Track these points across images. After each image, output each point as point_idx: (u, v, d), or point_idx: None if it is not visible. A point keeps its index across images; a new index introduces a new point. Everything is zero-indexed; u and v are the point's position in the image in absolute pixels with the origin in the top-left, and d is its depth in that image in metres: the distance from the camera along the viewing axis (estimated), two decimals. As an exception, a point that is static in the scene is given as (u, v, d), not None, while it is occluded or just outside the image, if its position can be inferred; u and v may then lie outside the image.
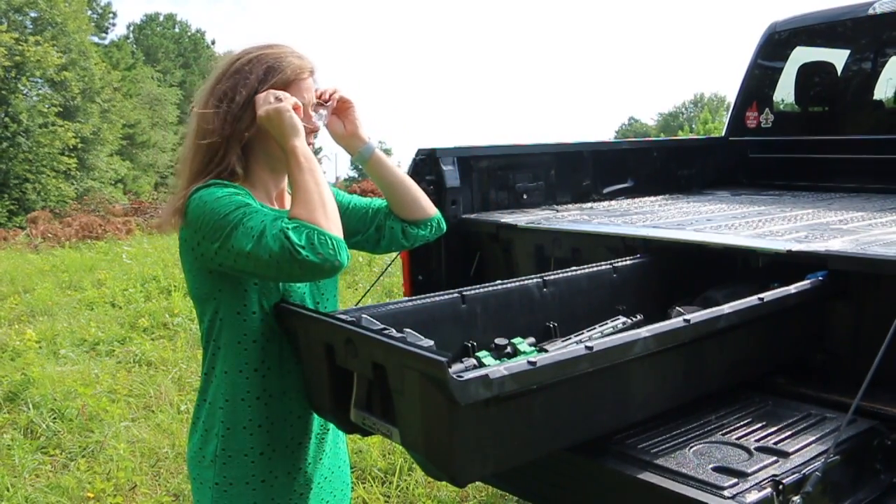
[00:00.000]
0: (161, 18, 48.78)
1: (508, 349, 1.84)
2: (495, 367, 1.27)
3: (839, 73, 4.17)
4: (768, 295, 1.79)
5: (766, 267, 2.18)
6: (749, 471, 1.47)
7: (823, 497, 1.54)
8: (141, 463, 4.03)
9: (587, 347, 1.40)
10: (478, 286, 1.98)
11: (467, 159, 3.01)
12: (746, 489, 1.42)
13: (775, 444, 1.60)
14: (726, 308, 1.69)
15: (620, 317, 2.09)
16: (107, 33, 42.00)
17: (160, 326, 6.92)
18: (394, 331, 1.58)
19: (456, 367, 1.46)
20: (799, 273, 1.94)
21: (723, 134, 4.48)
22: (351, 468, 2.22)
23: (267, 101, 1.58)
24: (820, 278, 1.92)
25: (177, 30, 49.11)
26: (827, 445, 1.57)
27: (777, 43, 4.27)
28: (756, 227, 2.48)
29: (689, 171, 4.05)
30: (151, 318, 7.02)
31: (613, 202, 3.51)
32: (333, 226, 1.51)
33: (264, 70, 1.63)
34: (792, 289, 1.85)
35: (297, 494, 1.73)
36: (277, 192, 1.74)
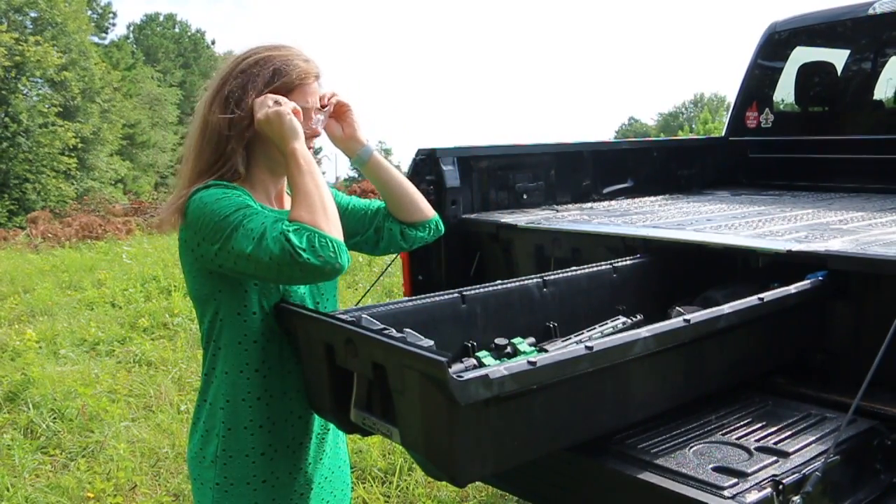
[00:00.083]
0: (161, 18, 48.80)
1: (508, 349, 1.84)
2: (495, 367, 1.27)
3: (839, 73, 4.17)
4: (768, 295, 1.79)
5: (766, 267, 2.18)
6: (749, 471, 1.47)
7: (823, 497, 1.54)
8: (141, 463, 4.03)
9: (587, 347, 1.40)
10: (478, 286, 1.98)
11: (467, 159, 3.02)
12: (746, 489, 1.42)
13: (775, 444, 1.60)
14: (726, 308, 1.69)
15: (620, 317, 2.09)
16: (107, 33, 42.05)
17: (160, 326, 6.92)
18: (394, 331, 1.58)
19: (456, 367, 1.46)
20: (799, 273, 1.94)
21: (723, 134, 4.48)
22: (351, 468, 2.22)
23: (265, 104, 1.59)
24: (820, 278, 1.92)
25: (177, 30, 49.11)
26: (827, 445, 1.57)
27: (777, 43, 4.27)
28: (756, 227, 2.48)
29: (689, 171, 4.05)
30: (151, 318, 7.03)
31: (613, 202, 3.51)
32: (334, 228, 1.51)
33: (271, 72, 1.63)
34: (792, 289, 1.85)
35: (298, 495, 1.73)
36: (277, 193, 1.74)
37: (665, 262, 2.36)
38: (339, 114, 1.82)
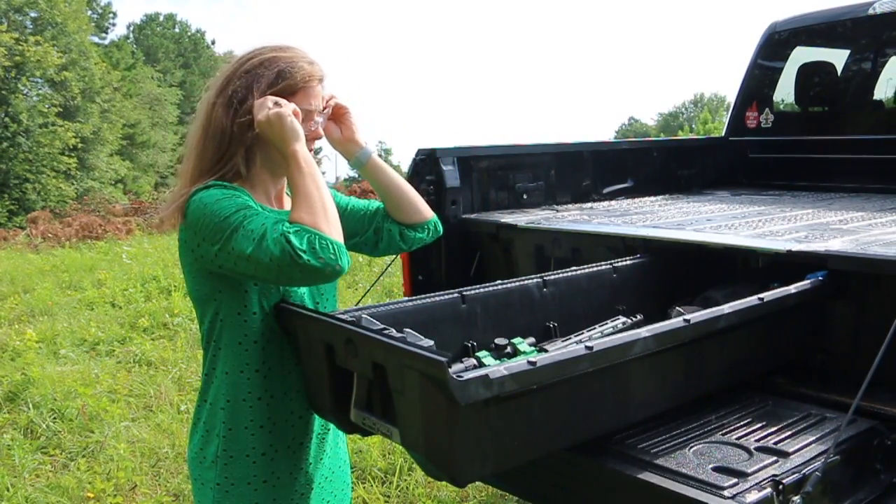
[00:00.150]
0: (161, 18, 48.80)
1: (508, 349, 1.83)
2: (495, 367, 1.27)
3: (839, 73, 4.17)
4: (768, 295, 1.79)
5: (766, 267, 2.18)
6: (749, 471, 1.47)
7: (823, 497, 1.54)
8: (141, 463, 4.03)
9: (587, 347, 1.40)
10: (478, 286, 1.98)
11: (467, 159, 3.01)
12: (746, 489, 1.42)
13: (775, 444, 1.60)
14: (726, 308, 1.69)
15: (620, 317, 2.09)
16: (107, 33, 42.07)
17: (160, 326, 6.92)
18: (394, 331, 1.58)
19: (456, 367, 1.46)
20: (799, 273, 1.94)
21: (723, 134, 4.48)
22: (351, 468, 2.22)
23: (265, 105, 1.58)
24: (820, 278, 1.92)
25: (177, 30, 49.11)
26: (827, 445, 1.57)
27: (777, 43, 4.27)
28: (756, 227, 2.48)
29: (689, 171, 4.05)
30: (151, 318, 7.02)
31: (613, 202, 3.51)
32: (335, 230, 1.51)
33: (275, 73, 1.63)
34: (792, 289, 1.85)
35: (299, 495, 1.73)
36: (277, 193, 1.74)
37: (665, 262, 2.36)
38: (337, 116, 1.82)
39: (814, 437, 1.63)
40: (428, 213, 1.93)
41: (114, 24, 50.59)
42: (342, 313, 1.69)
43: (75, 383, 5.13)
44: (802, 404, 1.83)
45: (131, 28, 48.06)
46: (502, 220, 2.83)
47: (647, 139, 4.83)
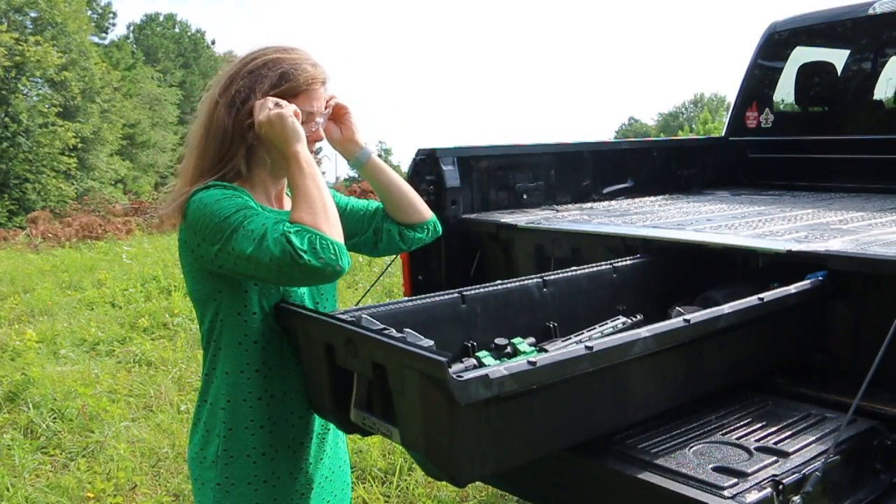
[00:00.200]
0: (161, 18, 48.80)
1: (508, 349, 1.84)
2: (495, 367, 1.27)
3: (839, 73, 4.17)
4: (768, 295, 1.79)
5: (766, 267, 2.18)
6: (749, 471, 1.47)
7: (823, 497, 1.54)
8: (141, 463, 4.03)
9: (587, 347, 1.40)
10: (478, 286, 1.98)
11: (467, 159, 3.01)
12: (746, 489, 1.42)
13: (775, 444, 1.60)
14: (726, 308, 1.69)
15: (620, 317, 2.09)
16: (107, 33, 42.06)
17: (160, 326, 6.92)
18: (394, 331, 1.58)
19: (456, 367, 1.46)
20: (799, 273, 1.94)
21: (723, 134, 4.48)
22: (351, 468, 2.22)
23: (266, 106, 1.58)
24: (820, 278, 1.92)
25: (177, 30, 49.11)
26: (827, 445, 1.57)
27: (777, 43, 4.27)
28: (756, 227, 2.48)
29: (689, 171, 4.05)
30: (151, 318, 7.02)
31: (613, 202, 3.51)
32: (335, 231, 1.51)
33: (279, 75, 1.63)
34: (792, 289, 1.85)
35: (299, 494, 1.73)
36: (276, 193, 1.74)
37: (665, 262, 2.36)
38: (337, 116, 1.82)
39: (814, 437, 1.63)
40: (427, 213, 1.94)
41: (114, 24, 50.65)
42: (342, 313, 1.69)
43: (75, 383, 5.13)
44: (802, 404, 1.83)
45: (131, 28, 48.13)
46: (502, 220, 2.83)
47: (647, 139, 4.83)
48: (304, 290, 1.70)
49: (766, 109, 4.26)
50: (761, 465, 1.50)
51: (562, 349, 1.50)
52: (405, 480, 3.71)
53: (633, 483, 1.51)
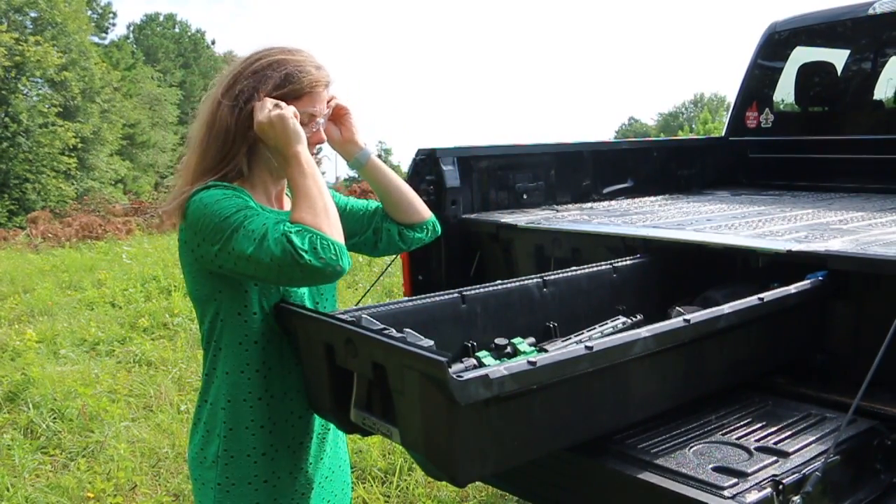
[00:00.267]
0: (161, 18, 48.80)
1: (508, 349, 1.84)
2: (495, 367, 1.27)
3: (839, 73, 4.17)
4: (768, 295, 1.79)
5: (766, 267, 2.18)
6: (749, 471, 1.47)
7: (823, 497, 1.54)
8: (141, 463, 4.03)
9: (587, 347, 1.40)
10: (478, 286, 1.98)
11: (467, 159, 3.01)
12: (746, 489, 1.42)
13: (775, 444, 1.60)
14: (726, 308, 1.69)
15: (620, 317, 2.09)
16: (107, 33, 42.06)
17: (160, 326, 6.92)
18: (394, 331, 1.58)
19: (456, 367, 1.46)
20: (799, 273, 1.94)
21: (723, 134, 4.48)
22: (351, 468, 2.22)
23: (266, 107, 1.58)
24: (820, 278, 1.92)
25: (177, 30, 49.11)
26: (827, 445, 1.57)
27: (777, 43, 4.27)
28: (756, 227, 2.48)
29: (689, 171, 4.05)
30: (151, 318, 7.02)
31: (613, 202, 3.51)
32: (336, 231, 1.51)
33: (283, 76, 1.63)
34: (792, 289, 1.85)
35: (299, 494, 1.73)
36: (276, 193, 1.75)
37: (665, 262, 2.36)
38: (337, 117, 1.83)
39: (814, 437, 1.63)
40: (426, 213, 1.94)
41: (114, 24, 50.69)
42: (342, 313, 1.69)
43: (75, 383, 5.13)
44: (802, 404, 1.83)
45: (131, 28, 48.12)
46: (502, 220, 2.83)
47: (647, 139, 4.83)
48: (304, 290, 1.70)
49: (766, 109, 4.26)
50: (761, 465, 1.50)
51: (562, 349, 1.50)
52: (405, 480, 3.71)
53: (633, 483, 1.51)
